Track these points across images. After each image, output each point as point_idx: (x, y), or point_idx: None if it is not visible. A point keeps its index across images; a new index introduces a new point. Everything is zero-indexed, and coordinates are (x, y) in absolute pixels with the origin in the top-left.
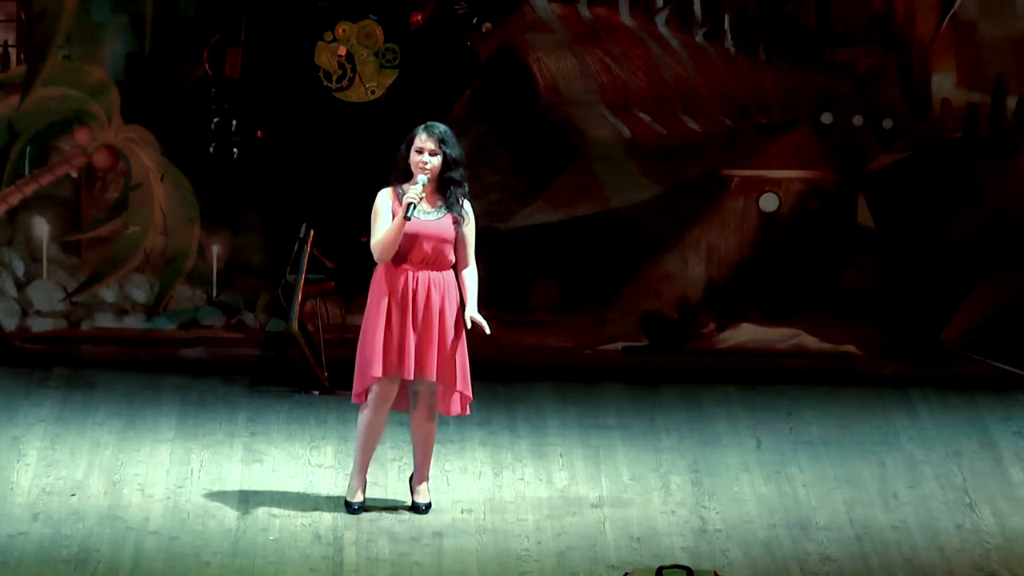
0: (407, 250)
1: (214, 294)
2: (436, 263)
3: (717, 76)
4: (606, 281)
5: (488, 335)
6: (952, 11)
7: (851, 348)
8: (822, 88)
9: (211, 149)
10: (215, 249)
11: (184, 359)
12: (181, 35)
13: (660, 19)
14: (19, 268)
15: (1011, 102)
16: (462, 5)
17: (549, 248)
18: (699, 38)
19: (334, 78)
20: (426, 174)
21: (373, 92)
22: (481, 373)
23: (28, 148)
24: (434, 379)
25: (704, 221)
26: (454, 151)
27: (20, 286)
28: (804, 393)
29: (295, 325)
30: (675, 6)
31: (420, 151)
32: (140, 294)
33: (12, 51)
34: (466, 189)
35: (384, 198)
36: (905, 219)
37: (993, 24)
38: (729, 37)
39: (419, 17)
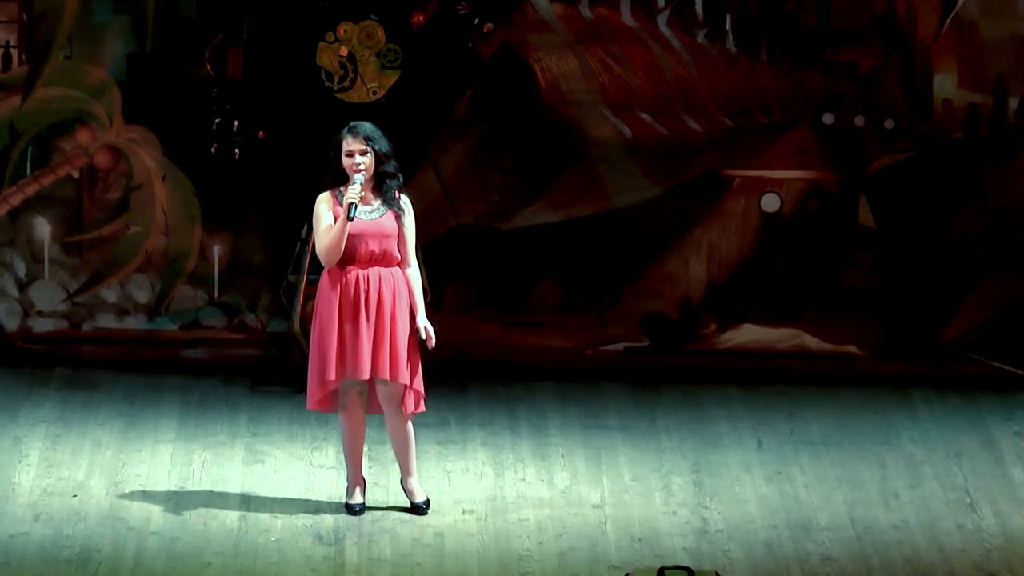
0: (354, 250)
1: (215, 294)
2: (383, 260)
3: (718, 76)
4: (607, 281)
5: (432, 348)
6: (954, 11)
7: (852, 348)
8: (823, 88)
9: (213, 149)
10: (216, 249)
11: (185, 359)
12: (182, 35)
13: (661, 19)
14: (20, 268)
15: (1012, 103)
16: (463, 5)
17: (550, 248)
18: (700, 38)
19: (336, 79)
20: (362, 174)
21: (375, 93)
22: (482, 374)
23: (30, 148)
24: (389, 377)
25: (705, 221)
26: (382, 145)
27: (21, 286)
28: (805, 393)
29: (296, 325)
30: (676, 6)
31: (350, 154)
32: (141, 294)
33: (14, 52)
34: (401, 180)
35: (323, 203)
36: (906, 219)
37: (995, 24)
38: (730, 37)
39: (421, 17)
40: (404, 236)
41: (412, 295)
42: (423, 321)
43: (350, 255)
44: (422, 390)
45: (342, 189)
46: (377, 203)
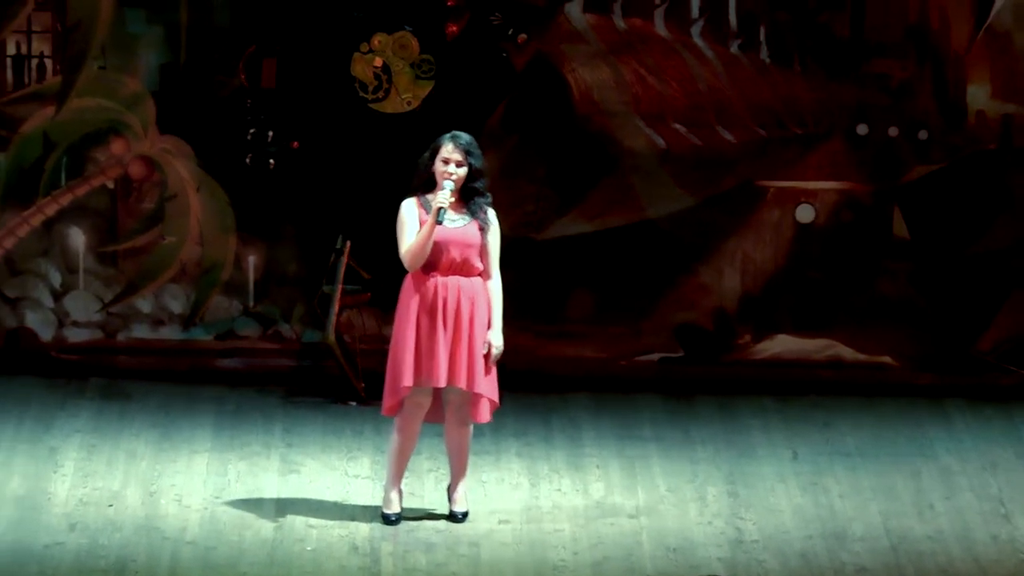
0: (435, 258)
1: (250, 305)
2: (464, 269)
3: (752, 87)
4: (641, 292)
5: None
6: (987, 22)
7: (886, 359)
8: (857, 99)
9: (247, 160)
10: (251, 260)
11: (220, 370)
12: (216, 46)
13: (695, 30)
14: (55, 279)
15: None
16: (497, 16)
17: (584, 259)
18: (734, 49)
19: (370, 89)
20: (452, 182)
21: (409, 103)
22: (517, 384)
23: (64, 159)
24: (464, 386)
25: (739, 232)
26: (478, 162)
27: (56, 297)
28: (839, 404)
29: (331, 336)
30: (710, 17)
31: (447, 161)
32: (176, 305)
33: (48, 62)
34: (489, 199)
35: (409, 207)
36: (940, 230)
37: None
38: (764, 48)
39: (455, 28)
40: (487, 248)
41: (491, 307)
42: (494, 336)
43: (432, 262)
44: (497, 400)
45: (428, 196)
46: (462, 214)
